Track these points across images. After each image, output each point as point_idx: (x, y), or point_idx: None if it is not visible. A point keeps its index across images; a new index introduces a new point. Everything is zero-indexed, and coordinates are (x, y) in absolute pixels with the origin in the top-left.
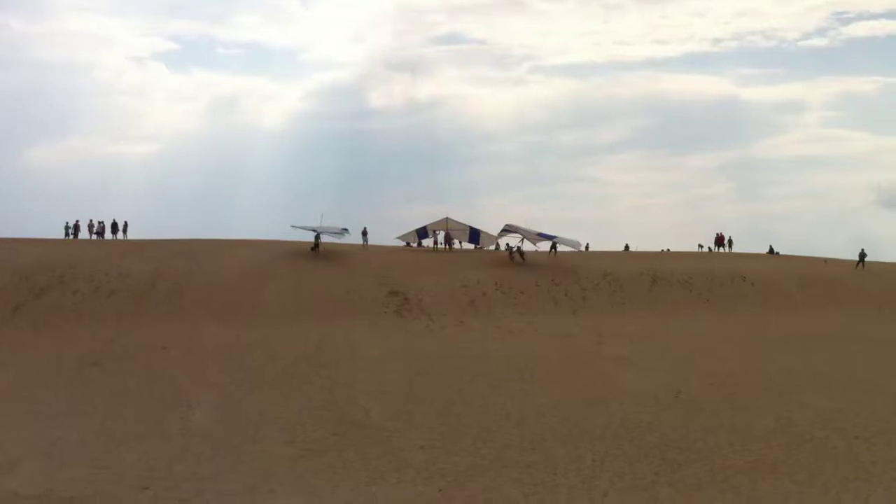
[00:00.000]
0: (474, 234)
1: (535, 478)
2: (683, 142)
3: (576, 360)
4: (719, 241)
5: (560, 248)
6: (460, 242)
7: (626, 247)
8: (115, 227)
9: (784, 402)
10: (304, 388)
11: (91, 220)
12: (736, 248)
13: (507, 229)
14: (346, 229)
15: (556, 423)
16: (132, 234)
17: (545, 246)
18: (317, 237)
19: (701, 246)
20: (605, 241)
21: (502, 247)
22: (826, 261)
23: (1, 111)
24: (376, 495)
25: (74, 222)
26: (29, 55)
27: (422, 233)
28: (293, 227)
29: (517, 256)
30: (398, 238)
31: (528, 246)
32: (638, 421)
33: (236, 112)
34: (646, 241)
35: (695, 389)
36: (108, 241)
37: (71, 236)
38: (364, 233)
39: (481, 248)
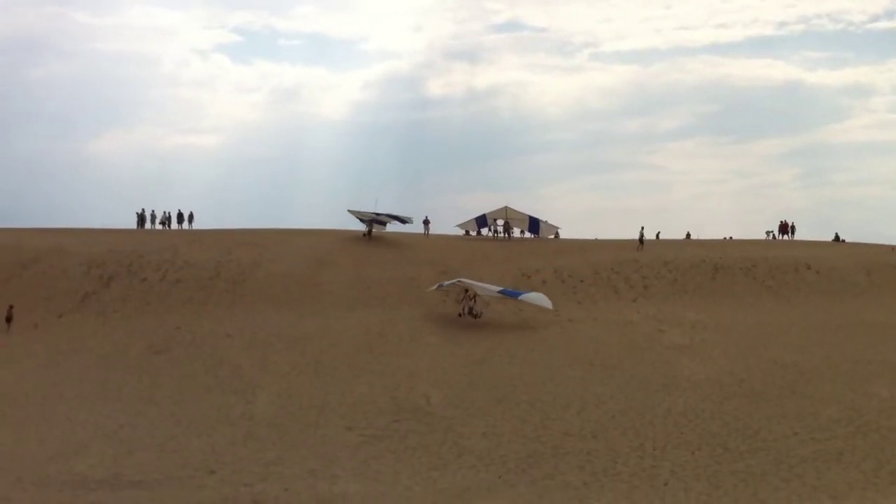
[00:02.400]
0: (533, 223)
1: (595, 465)
2: (747, 128)
3: (636, 348)
4: (783, 228)
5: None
6: (521, 231)
7: (688, 235)
8: (180, 217)
9: (850, 390)
10: (365, 375)
11: (154, 211)
12: (801, 236)
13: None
14: (410, 219)
15: (617, 412)
16: (197, 225)
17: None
18: (370, 224)
19: (769, 233)
20: (667, 229)
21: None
22: (894, 248)
23: (67, 103)
24: (437, 481)
25: (140, 211)
26: (93, 47)
27: (481, 221)
28: (349, 210)
29: (468, 311)
30: (457, 226)
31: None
32: (700, 409)
33: (297, 102)
34: (708, 230)
35: (758, 378)
36: (173, 230)
37: (140, 225)
38: (426, 221)
39: (541, 237)
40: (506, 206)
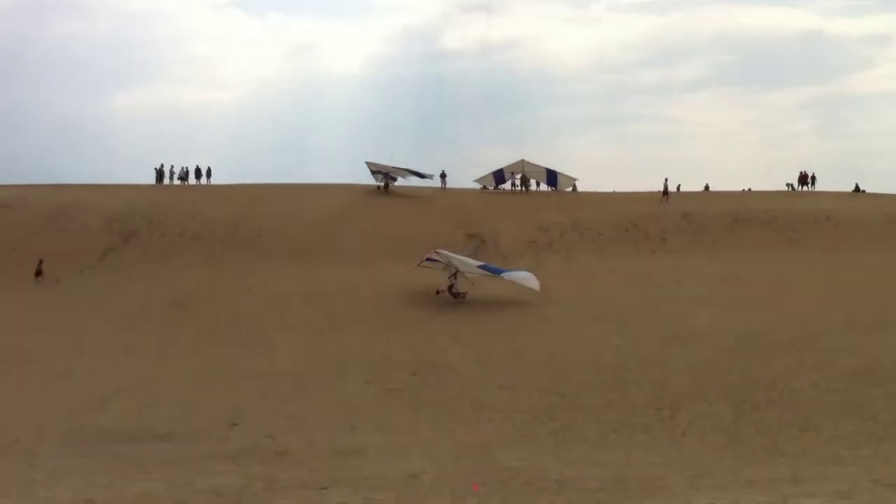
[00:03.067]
0: (551, 176)
1: (612, 417)
2: (765, 78)
3: (655, 300)
4: (803, 179)
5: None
6: (537, 184)
7: (707, 187)
8: (198, 172)
9: (868, 341)
10: (383, 329)
11: (172, 167)
12: (821, 187)
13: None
14: (430, 175)
15: (635, 364)
16: (215, 180)
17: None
18: (386, 177)
19: (789, 185)
20: (685, 181)
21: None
22: None
23: (87, 60)
24: (456, 433)
25: (159, 167)
26: (113, 5)
27: (498, 176)
28: (367, 162)
29: (450, 291)
30: (475, 181)
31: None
32: (718, 361)
33: (313, 57)
34: (727, 182)
35: (777, 329)
36: (192, 185)
37: (158, 181)
38: (443, 176)
39: (559, 189)
40: (522, 160)
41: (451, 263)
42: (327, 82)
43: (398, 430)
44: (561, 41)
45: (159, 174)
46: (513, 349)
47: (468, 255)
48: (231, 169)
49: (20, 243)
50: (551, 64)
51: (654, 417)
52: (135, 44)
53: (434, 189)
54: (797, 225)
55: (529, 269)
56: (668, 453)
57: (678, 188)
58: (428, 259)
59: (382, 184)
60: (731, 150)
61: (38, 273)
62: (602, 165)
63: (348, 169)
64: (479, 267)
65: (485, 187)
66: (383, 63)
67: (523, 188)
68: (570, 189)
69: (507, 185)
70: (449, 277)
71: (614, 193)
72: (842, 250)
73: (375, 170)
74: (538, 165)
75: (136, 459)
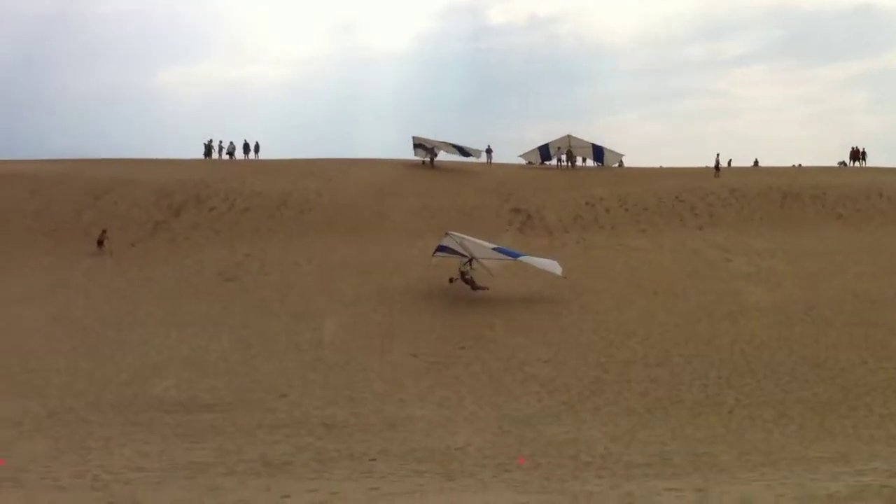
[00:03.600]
0: (597, 152)
1: (659, 392)
2: (816, 53)
3: (702, 276)
4: (854, 154)
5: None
6: (583, 160)
7: (756, 162)
8: (246, 147)
9: None
10: (430, 303)
11: (221, 142)
12: (873, 163)
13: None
14: (478, 151)
15: (682, 340)
16: (262, 155)
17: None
18: (430, 152)
19: (841, 163)
20: (733, 157)
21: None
22: None
23: (136, 36)
24: (501, 406)
25: (207, 142)
26: None
27: (544, 151)
28: (415, 137)
29: (464, 279)
30: (520, 156)
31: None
32: (766, 337)
33: (360, 34)
34: (776, 158)
35: (826, 306)
36: (239, 160)
37: (207, 155)
38: (489, 151)
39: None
40: (569, 135)
41: (465, 247)
42: (373, 58)
43: (444, 403)
44: (608, 15)
45: (208, 149)
46: (559, 324)
47: (467, 262)
48: (279, 145)
49: (72, 217)
50: (598, 38)
51: (701, 394)
52: (183, 20)
53: (480, 164)
54: (847, 201)
55: (577, 242)
56: (715, 430)
57: (729, 163)
58: (440, 248)
59: (426, 158)
60: (780, 125)
61: (101, 243)
62: (649, 141)
63: (395, 144)
64: (495, 250)
65: (530, 163)
66: (430, 39)
67: (569, 164)
68: (616, 165)
69: (553, 162)
70: (464, 264)
71: (661, 169)
72: (893, 227)
73: (419, 143)
74: (584, 141)
75: (186, 428)
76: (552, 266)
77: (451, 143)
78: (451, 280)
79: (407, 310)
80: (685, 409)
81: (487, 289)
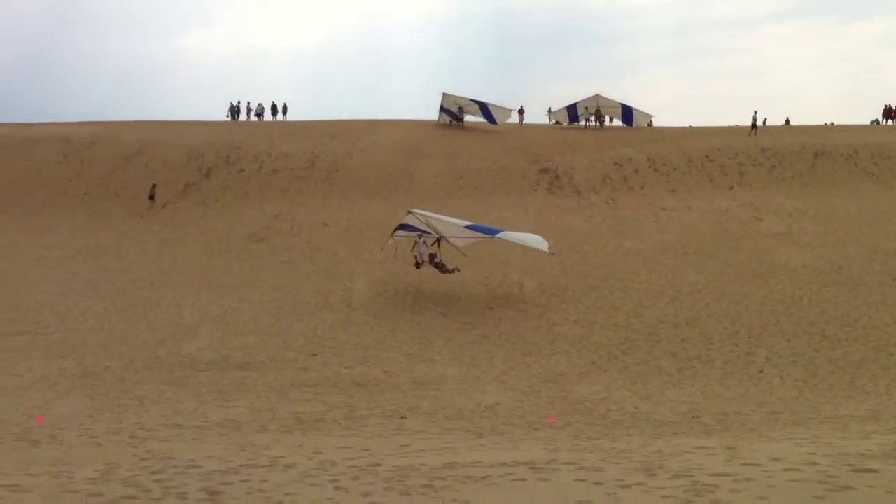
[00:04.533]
0: (626, 112)
1: (689, 352)
2: (848, 9)
3: (732, 236)
4: (887, 113)
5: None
6: (611, 119)
7: (787, 121)
8: (273, 108)
9: None
10: (458, 263)
11: (249, 103)
12: None
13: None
14: (508, 111)
15: (712, 300)
16: (290, 116)
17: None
18: (460, 111)
19: (874, 121)
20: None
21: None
22: None
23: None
24: (531, 366)
25: (235, 103)
26: None
27: (572, 111)
28: (444, 94)
29: (433, 262)
30: (549, 115)
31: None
32: (797, 297)
33: None
34: (808, 116)
35: (857, 265)
36: (267, 122)
37: (234, 117)
38: (520, 111)
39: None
40: (597, 95)
41: (431, 226)
42: (400, 19)
43: (474, 363)
44: None
45: (235, 110)
46: (588, 284)
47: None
48: (306, 106)
49: (104, 179)
50: None
51: (732, 353)
52: None
53: (509, 125)
54: (880, 159)
55: (606, 202)
56: (746, 389)
57: (764, 122)
58: (402, 227)
59: (451, 121)
60: (812, 83)
61: (152, 197)
62: (679, 100)
63: (422, 106)
64: (468, 227)
65: (558, 122)
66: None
67: (598, 123)
68: (645, 125)
69: (582, 122)
70: (430, 244)
71: (691, 128)
72: None
73: (446, 108)
74: (613, 101)
75: (219, 387)
76: (537, 242)
77: (479, 102)
78: (417, 265)
79: (436, 271)
80: (715, 368)
81: (458, 270)
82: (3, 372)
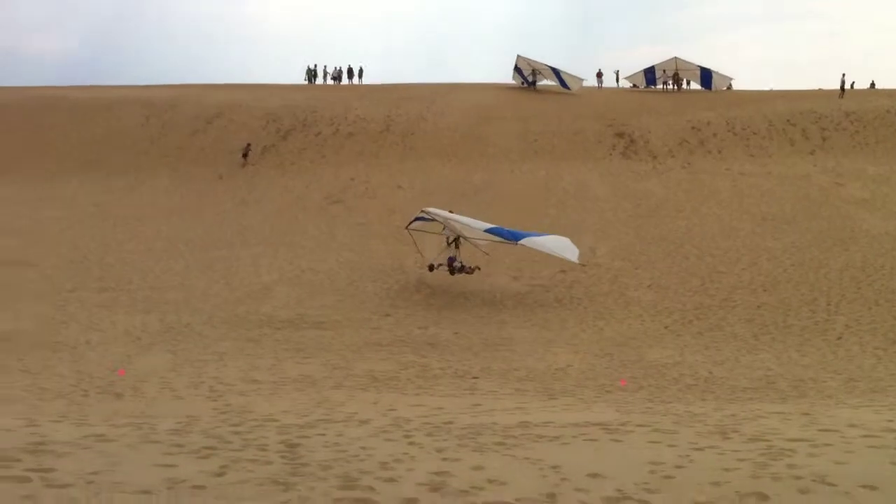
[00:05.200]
0: (705, 75)
1: (765, 318)
2: None
3: (813, 202)
4: None
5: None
6: (688, 83)
7: (872, 84)
8: (350, 72)
9: None
10: (531, 227)
11: (326, 67)
12: None
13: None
14: (580, 80)
15: (790, 266)
16: (365, 80)
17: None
18: (532, 74)
19: None
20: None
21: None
22: None
23: None
24: (602, 329)
25: (312, 67)
26: None
27: (649, 74)
28: (518, 56)
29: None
30: (625, 79)
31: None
32: (879, 265)
33: None
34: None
35: None
36: (344, 85)
37: (311, 80)
38: (599, 75)
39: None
40: (675, 57)
41: (450, 226)
42: None
43: (546, 325)
44: None
45: (312, 74)
46: (663, 249)
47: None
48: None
49: (185, 141)
50: None
51: (810, 320)
52: None
53: (585, 88)
54: None
55: (682, 166)
56: (823, 356)
57: (852, 85)
58: (418, 219)
59: (523, 82)
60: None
61: (245, 155)
62: (759, 63)
63: (496, 69)
64: (489, 231)
65: (634, 86)
66: None
67: (675, 87)
68: (724, 88)
69: (659, 85)
70: (448, 244)
71: (772, 91)
72: None
73: (519, 67)
74: (691, 63)
75: (296, 345)
76: (565, 249)
77: (552, 68)
78: (430, 268)
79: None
80: (792, 335)
81: (476, 268)
82: (88, 327)
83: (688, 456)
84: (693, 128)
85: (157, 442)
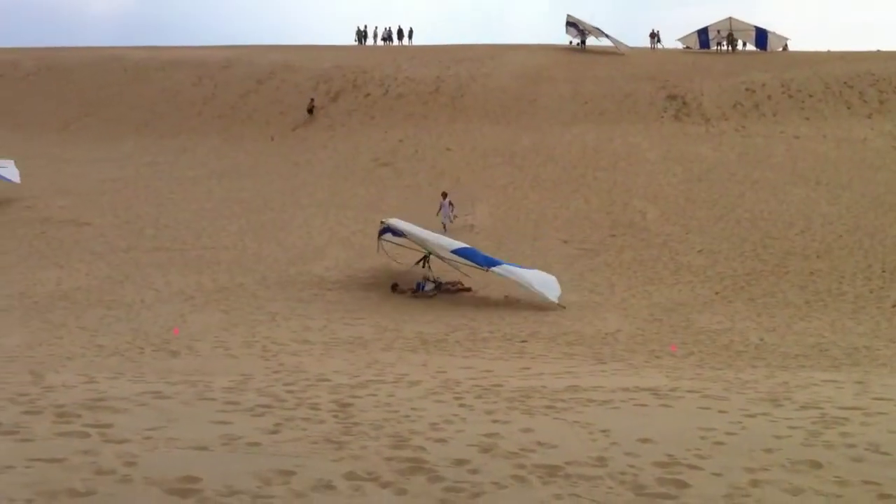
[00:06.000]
0: (760, 35)
1: (818, 285)
2: None
3: (869, 166)
4: None
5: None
6: (744, 44)
7: None
8: (400, 33)
9: None
10: (581, 190)
11: (376, 28)
12: None
13: None
14: (626, 46)
15: (845, 232)
16: (415, 41)
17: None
18: (581, 34)
19: None
20: None
21: None
22: None
23: None
24: (652, 294)
25: (362, 28)
26: None
27: (703, 35)
28: (569, 15)
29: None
30: (678, 40)
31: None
32: None
33: None
34: None
35: None
36: (394, 46)
37: (361, 41)
38: (652, 35)
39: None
40: (730, 17)
41: (416, 240)
42: None
43: (594, 289)
44: None
45: (362, 35)
46: (715, 213)
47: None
48: (431, 30)
49: (237, 102)
50: None
51: (864, 287)
52: None
53: (638, 49)
54: None
55: (735, 129)
56: (877, 324)
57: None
58: (385, 230)
59: (577, 40)
60: None
61: (310, 110)
62: (816, 23)
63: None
64: (456, 252)
65: (687, 48)
66: None
67: (729, 48)
68: (780, 49)
69: (713, 46)
70: (417, 263)
71: (829, 53)
72: None
73: (572, 22)
74: (746, 23)
75: (346, 306)
76: (544, 285)
77: (603, 31)
78: (393, 288)
79: (558, 197)
80: (846, 302)
81: (458, 285)
82: (142, 286)
83: (739, 423)
84: (747, 90)
85: (212, 399)
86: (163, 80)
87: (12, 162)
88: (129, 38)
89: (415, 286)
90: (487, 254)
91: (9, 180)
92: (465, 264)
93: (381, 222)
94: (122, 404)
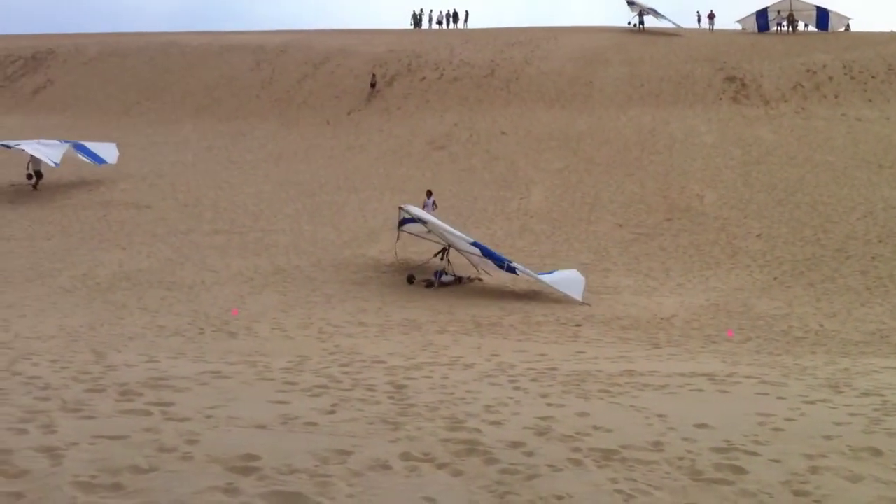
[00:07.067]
0: (822, 15)
1: (880, 271)
2: None
3: None
4: None
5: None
6: (805, 24)
7: None
8: (455, 16)
9: None
10: (637, 173)
11: (431, 11)
12: None
13: None
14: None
15: None
16: (470, 24)
17: None
18: (640, 14)
19: None
20: None
21: None
22: None
23: None
24: (709, 279)
25: (417, 11)
26: None
27: (762, 17)
28: None
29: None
30: (737, 22)
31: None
32: None
33: None
34: None
35: None
36: (449, 30)
37: (416, 25)
38: (710, 16)
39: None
40: None
41: (434, 231)
42: None
43: (650, 274)
44: None
45: (417, 19)
46: (774, 197)
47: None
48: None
49: (294, 86)
50: None
51: None
52: None
53: (696, 31)
54: None
55: (795, 112)
56: None
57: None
58: (405, 221)
59: (636, 19)
60: None
61: (373, 85)
62: (879, 3)
63: (602, 12)
64: (474, 245)
65: (745, 29)
66: None
67: (790, 28)
68: (842, 29)
69: (773, 27)
70: (436, 255)
71: (892, 33)
72: None
73: (631, 1)
74: (807, 3)
75: (400, 289)
76: (569, 285)
77: (658, 12)
78: (409, 280)
79: (614, 180)
80: None
81: (473, 279)
82: (202, 268)
83: (798, 409)
84: (808, 71)
85: (270, 380)
86: (221, 66)
87: (114, 145)
88: (187, 25)
89: (433, 276)
90: (542, 236)
91: (103, 161)
92: (482, 259)
93: (399, 208)
94: (184, 383)
